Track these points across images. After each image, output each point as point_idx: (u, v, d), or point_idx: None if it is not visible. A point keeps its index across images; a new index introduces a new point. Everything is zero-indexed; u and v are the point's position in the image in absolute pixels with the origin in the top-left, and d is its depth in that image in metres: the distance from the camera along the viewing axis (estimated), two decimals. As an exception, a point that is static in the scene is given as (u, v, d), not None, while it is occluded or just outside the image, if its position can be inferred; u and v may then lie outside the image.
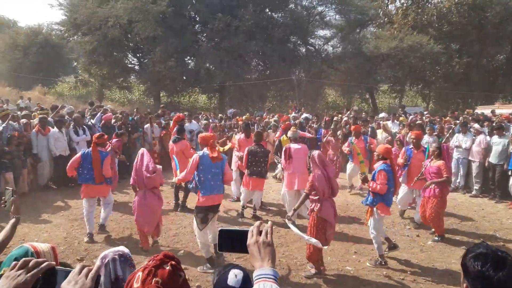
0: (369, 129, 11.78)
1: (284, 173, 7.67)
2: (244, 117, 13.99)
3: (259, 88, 23.70)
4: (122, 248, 2.24)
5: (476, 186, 9.83)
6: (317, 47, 28.54)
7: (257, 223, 1.44)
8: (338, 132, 11.17)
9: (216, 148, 9.24)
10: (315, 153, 5.39)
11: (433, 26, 25.50)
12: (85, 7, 21.38)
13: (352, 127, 10.11)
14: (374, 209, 5.71)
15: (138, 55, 25.02)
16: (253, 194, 7.80)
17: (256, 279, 1.31)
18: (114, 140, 8.60)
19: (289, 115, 15.67)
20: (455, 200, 9.47)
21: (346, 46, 27.06)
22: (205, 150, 5.72)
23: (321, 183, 5.18)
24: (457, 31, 25.36)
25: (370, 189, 5.70)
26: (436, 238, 6.72)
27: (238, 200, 8.64)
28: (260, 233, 1.41)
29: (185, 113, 13.68)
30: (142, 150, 6.19)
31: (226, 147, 9.53)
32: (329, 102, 30.84)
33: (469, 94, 25.31)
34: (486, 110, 16.06)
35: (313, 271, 5.43)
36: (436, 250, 6.38)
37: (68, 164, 6.68)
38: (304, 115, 15.27)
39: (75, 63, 31.33)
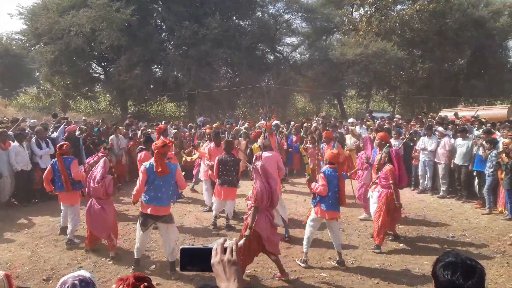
0: (338, 134, 11.91)
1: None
2: (214, 126, 13.84)
3: (228, 95, 23.61)
4: (83, 272, 2.10)
5: (443, 187, 10.08)
6: (285, 54, 28.81)
7: (221, 240, 1.35)
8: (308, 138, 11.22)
9: (183, 158, 9.12)
10: (258, 164, 5.41)
11: (396, 33, 26.24)
12: (46, 16, 20.68)
13: (323, 133, 10.18)
14: (312, 209, 5.97)
15: (103, 64, 24.42)
16: (226, 203, 7.69)
17: None
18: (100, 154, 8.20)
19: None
20: (424, 201, 9.68)
21: (313, 53, 27.43)
22: (152, 161, 5.65)
23: (262, 194, 5.18)
24: (419, 37, 26.19)
25: (311, 191, 5.96)
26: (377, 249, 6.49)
27: (210, 210, 8.49)
28: (224, 250, 1.32)
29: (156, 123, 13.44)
30: (102, 160, 6.35)
31: (194, 157, 9.41)
32: (299, 108, 31.12)
33: (433, 98, 26.14)
34: (449, 113, 16.58)
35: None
36: (408, 252, 6.46)
37: (44, 178, 6.93)
38: (275, 122, 15.30)
39: (37, 73, 30.29)
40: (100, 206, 6.13)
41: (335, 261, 5.97)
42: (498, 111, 16.64)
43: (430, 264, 5.34)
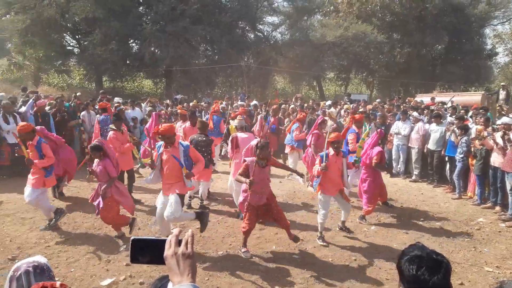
0: (315, 117, 11.91)
1: (232, 162, 7.53)
2: (191, 104, 13.63)
3: (207, 73, 23.20)
4: (38, 258, 1.99)
5: (415, 172, 10.27)
6: (265, 34, 28.45)
7: (175, 231, 1.27)
8: (286, 120, 11.19)
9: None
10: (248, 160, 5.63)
11: (376, 16, 26.24)
12: (17, -16, 19.75)
13: (299, 115, 10.14)
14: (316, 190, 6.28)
15: (77, 37, 23.55)
16: (200, 184, 7.61)
17: None
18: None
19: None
20: (396, 185, 9.85)
21: (294, 34, 27.19)
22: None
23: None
24: (399, 21, 26.28)
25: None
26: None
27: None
28: (179, 243, 1.24)
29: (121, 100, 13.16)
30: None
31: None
32: (278, 89, 31.00)
33: (410, 82, 26.43)
34: (425, 98, 16.79)
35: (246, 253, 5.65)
36: (379, 235, 6.56)
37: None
38: (253, 102, 15.19)
39: (9, 45, 29.01)
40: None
41: (339, 228, 6.61)
42: (472, 97, 16.94)
43: (399, 247, 5.44)
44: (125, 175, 8.00)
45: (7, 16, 21.68)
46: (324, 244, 6.05)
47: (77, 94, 12.03)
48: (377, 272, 5.27)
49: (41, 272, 1.92)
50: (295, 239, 5.70)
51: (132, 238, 1.29)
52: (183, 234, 1.28)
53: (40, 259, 2.01)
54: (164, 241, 1.26)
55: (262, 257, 5.65)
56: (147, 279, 4.92)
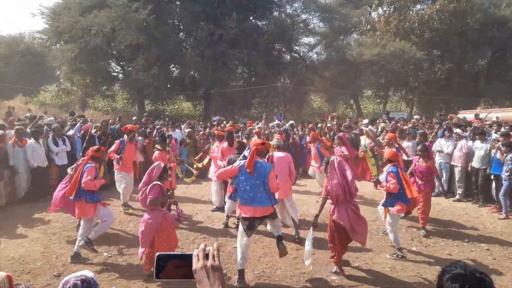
0: (353, 135, 11.80)
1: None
2: (228, 125, 13.86)
3: (244, 95, 23.65)
4: (86, 272, 2.12)
5: (459, 191, 9.87)
6: (301, 54, 28.69)
7: (202, 245, 1.34)
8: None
9: (195, 165, 9.14)
10: (334, 158, 5.65)
11: (415, 33, 25.83)
12: (67, 15, 21.10)
13: (310, 133, 10.23)
14: (389, 208, 6.24)
15: (121, 63, 24.76)
16: (236, 203, 7.69)
17: None
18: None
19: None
20: (439, 204, 9.49)
21: (330, 53, 27.22)
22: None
23: (333, 190, 5.49)
24: (438, 37, 25.73)
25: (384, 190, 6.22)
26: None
27: (218, 209, 8.57)
28: (206, 256, 1.30)
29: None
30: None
31: (205, 162, 9.45)
32: (315, 108, 30.95)
33: (452, 99, 25.65)
34: (468, 115, 16.23)
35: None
36: (421, 256, 6.34)
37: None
38: (290, 122, 15.27)
39: (58, 72, 30.90)
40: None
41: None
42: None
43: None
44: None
45: (57, 45, 23.18)
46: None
47: (120, 117, 12.59)
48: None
49: (88, 285, 2.03)
50: None
51: (157, 254, 1.34)
52: (208, 249, 1.34)
53: (88, 273, 2.13)
54: (189, 256, 1.31)
55: (298, 278, 5.59)
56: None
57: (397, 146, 8.74)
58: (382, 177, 6.51)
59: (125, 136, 8.73)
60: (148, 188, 5.39)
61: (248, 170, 5.33)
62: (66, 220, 7.93)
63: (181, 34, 24.37)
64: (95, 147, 6.57)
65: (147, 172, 5.61)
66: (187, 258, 1.31)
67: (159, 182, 5.45)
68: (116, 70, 25.73)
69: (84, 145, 7.91)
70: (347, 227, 5.44)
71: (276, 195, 7.04)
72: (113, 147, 8.54)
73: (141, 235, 5.39)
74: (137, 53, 21.32)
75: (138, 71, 20.68)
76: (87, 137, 8.41)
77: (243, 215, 5.39)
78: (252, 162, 5.33)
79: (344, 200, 5.52)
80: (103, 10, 20.27)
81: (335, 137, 10.15)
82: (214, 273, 1.26)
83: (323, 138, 10.92)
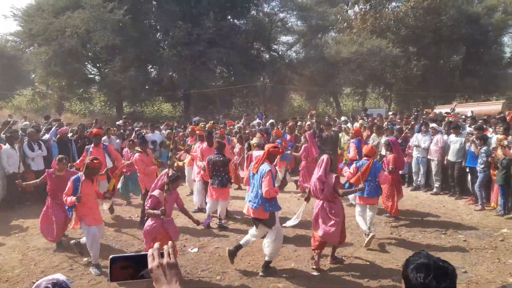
0: (332, 133, 11.90)
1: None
2: (207, 126, 13.82)
3: (224, 95, 23.60)
4: (58, 276, 2.08)
5: (436, 184, 10.08)
6: (280, 53, 28.81)
7: (156, 245, 1.33)
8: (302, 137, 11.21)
9: (175, 163, 9.09)
10: (325, 156, 5.86)
11: (391, 30, 26.26)
12: (40, 17, 20.64)
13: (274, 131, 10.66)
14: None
15: (97, 65, 24.38)
16: (218, 203, 7.68)
17: None
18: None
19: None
20: (417, 198, 9.69)
21: (308, 52, 27.41)
22: None
23: (312, 184, 5.84)
24: (414, 34, 26.23)
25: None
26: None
27: (200, 210, 8.53)
28: (161, 255, 1.30)
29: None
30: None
31: (186, 160, 9.40)
32: (295, 107, 31.12)
33: (428, 94, 26.18)
34: (444, 110, 16.58)
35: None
36: (400, 249, 6.45)
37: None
38: (270, 121, 15.32)
39: (33, 75, 30.20)
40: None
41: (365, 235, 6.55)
42: (493, 107, 16.68)
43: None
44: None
45: (31, 48, 22.65)
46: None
47: (96, 120, 12.40)
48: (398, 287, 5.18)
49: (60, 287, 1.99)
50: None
51: (110, 256, 1.31)
52: (162, 248, 1.34)
53: (60, 276, 2.09)
54: (143, 256, 1.30)
55: (280, 275, 5.62)
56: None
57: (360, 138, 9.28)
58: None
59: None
60: (147, 197, 5.39)
61: (252, 170, 5.58)
62: (43, 226, 7.76)
63: (158, 34, 24.16)
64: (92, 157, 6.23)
65: (158, 178, 5.56)
66: (142, 259, 1.30)
67: (156, 193, 5.29)
68: (92, 72, 25.34)
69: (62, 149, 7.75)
70: (312, 221, 5.85)
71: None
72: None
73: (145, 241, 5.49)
74: (114, 54, 21.02)
75: (115, 72, 20.39)
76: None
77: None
78: (259, 163, 5.50)
79: (319, 197, 5.75)
80: (77, 11, 19.93)
81: (302, 136, 10.36)
82: (171, 271, 1.27)
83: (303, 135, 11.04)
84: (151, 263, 1.28)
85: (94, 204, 5.94)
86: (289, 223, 6.42)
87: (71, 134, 10.51)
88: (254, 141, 8.09)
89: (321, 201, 5.74)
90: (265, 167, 5.43)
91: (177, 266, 1.30)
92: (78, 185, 5.68)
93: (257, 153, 7.24)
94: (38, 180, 6.84)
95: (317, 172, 5.74)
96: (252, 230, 5.77)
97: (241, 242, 5.80)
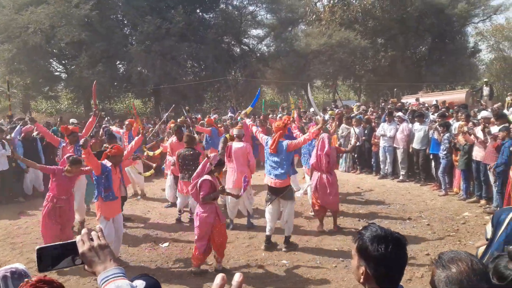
0: (303, 124, 12.06)
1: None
2: (179, 120, 13.73)
3: (195, 89, 23.39)
4: (17, 265, 2.10)
5: (402, 172, 10.39)
6: (251, 47, 28.76)
7: (84, 230, 1.36)
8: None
9: (145, 152, 9.02)
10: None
11: (359, 22, 26.67)
12: (1, 13, 19.84)
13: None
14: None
15: (63, 61, 23.67)
16: (188, 198, 7.67)
17: (104, 281, 1.23)
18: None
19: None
20: (385, 186, 9.97)
21: (279, 45, 27.44)
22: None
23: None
24: (381, 26, 26.71)
25: None
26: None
27: (172, 205, 8.51)
28: (91, 239, 1.33)
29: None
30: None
31: (157, 152, 9.34)
32: (267, 101, 31.21)
33: (396, 85, 26.75)
34: (410, 100, 17.05)
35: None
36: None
37: None
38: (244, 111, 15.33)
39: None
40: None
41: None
42: (457, 95, 17.26)
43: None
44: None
45: (-7, 46, 21.79)
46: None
47: (61, 117, 12.10)
48: (364, 271, 5.35)
49: (19, 277, 1.99)
50: None
51: (37, 247, 1.32)
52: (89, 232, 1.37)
53: (19, 265, 2.10)
54: (70, 243, 1.32)
55: (251, 264, 5.71)
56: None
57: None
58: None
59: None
60: (199, 183, 5.31)
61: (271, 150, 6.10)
62: (9, 227, 7.60)
63: (126, 29, 23.69)
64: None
65: (202, 163, 5.54)
66: (70, 246, 1.31)
67: (209, 177, 5.32)
68: (58, 70, 24.61)
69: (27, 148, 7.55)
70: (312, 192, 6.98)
71: (232, 185, 7.15)
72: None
73: (197, 230, 5.31)
74: (80, 50, 20.47)
75: (81, 69, 19.88)
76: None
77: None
78: (276, 142, 6.00)
79: (323, 170, 6.75)
80: (41, 6, 19.26)
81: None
82: (103, 251, 1.30)
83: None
84: (82, 247, 1.30)
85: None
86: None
87: (36, 133, 10.23)
88: (234, 132, 7.95)
89: (320, 173, 6.79)
90: (285, 141, 6.06)
91: (109, 246, 1.33)
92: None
93: (237, 145, 7.28)
94: (39, 165, 6.30)
95: (321, 149, 6.75)
96: (268, 213, 6.17)
97: (267, 233, 6.20)
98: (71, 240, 1.33)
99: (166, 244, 6.60)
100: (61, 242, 1.34)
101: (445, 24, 26.74)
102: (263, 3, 26.83)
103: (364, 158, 11.58)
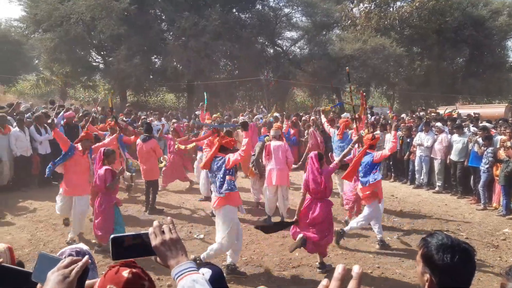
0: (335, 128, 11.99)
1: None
2: (213, 116, 13.89)
3: (228, 88, 23.60)
4: (81, 245, 2.17)
5: (438, 183, 10.19)
6: (284, 48, 28.76)
7: (156, 222, 1.36)
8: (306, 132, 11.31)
9: (176, 146, 9.18)
10: (312, 153, 5.64)
11: (395, 30, 26.25)
12: (46, 2, 20.47)
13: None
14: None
15: (102, 53, 24.25)
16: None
17: (179, 275, 1.25)
18: None
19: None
20: (420, 196, 9.80)
21: (312, 48, 27.34)
22: None
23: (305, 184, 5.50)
24: (418, 34, 26.23)
25: None
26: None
27: (206, 199, 8.62)
28: (162, 232, 1.34)
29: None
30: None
31: (189, 146, 9.48)
32: (298, 103, 31.19)
33: (431, 95, 26.26)
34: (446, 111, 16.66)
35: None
36: (401, 245, 6.56)
37: None
38: (275, 114, 15.37)
39: (37, 61, 30.07)
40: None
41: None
42: (496, 109, 16.80)
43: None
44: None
45: (36, 34, 22.55)
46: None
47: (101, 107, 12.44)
48: (401, 279, 5.29)
49: (83, 256, 2.08)
50: None
51: (111, 236, 1.33)
52: (161, 225, 1.37)
53: (83, 246, 2.18)
54: (144, 234, 1.33)
55: (285, 263, 5.73)
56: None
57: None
58: None
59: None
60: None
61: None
62: (51, 208, 7.85)
63: (163, 24, 24.09)
64: None
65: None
66: (142, 237, 1.33)
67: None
68: (97, 60, 25.25)
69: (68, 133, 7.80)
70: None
71: (274, 181, 7.24)
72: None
73: None
74: (118, 43, 20.97)
75: (119, 61, 20.35)
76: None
77: None
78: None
79: (313, 195, 5.42)
80: (83, -3, 19.83)
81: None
82: (176, 245, 1.31)
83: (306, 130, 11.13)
84: (155, 241, 1.31)
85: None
86: None
87: (77, 119, 10.56)
88: (271, 132, 8.09)
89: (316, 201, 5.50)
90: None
91: (180, 241, 1.34)
92: None
93: (275, 143, 7.39)
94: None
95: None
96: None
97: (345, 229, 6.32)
98: (144, 232, 1.34)
99: (202, 235, 6.70)
100: (134, 233, 1.35)
101: (484, 36, 26.03)
102: (299, 6, 26.80)
103: (399, 166, 11.43)
